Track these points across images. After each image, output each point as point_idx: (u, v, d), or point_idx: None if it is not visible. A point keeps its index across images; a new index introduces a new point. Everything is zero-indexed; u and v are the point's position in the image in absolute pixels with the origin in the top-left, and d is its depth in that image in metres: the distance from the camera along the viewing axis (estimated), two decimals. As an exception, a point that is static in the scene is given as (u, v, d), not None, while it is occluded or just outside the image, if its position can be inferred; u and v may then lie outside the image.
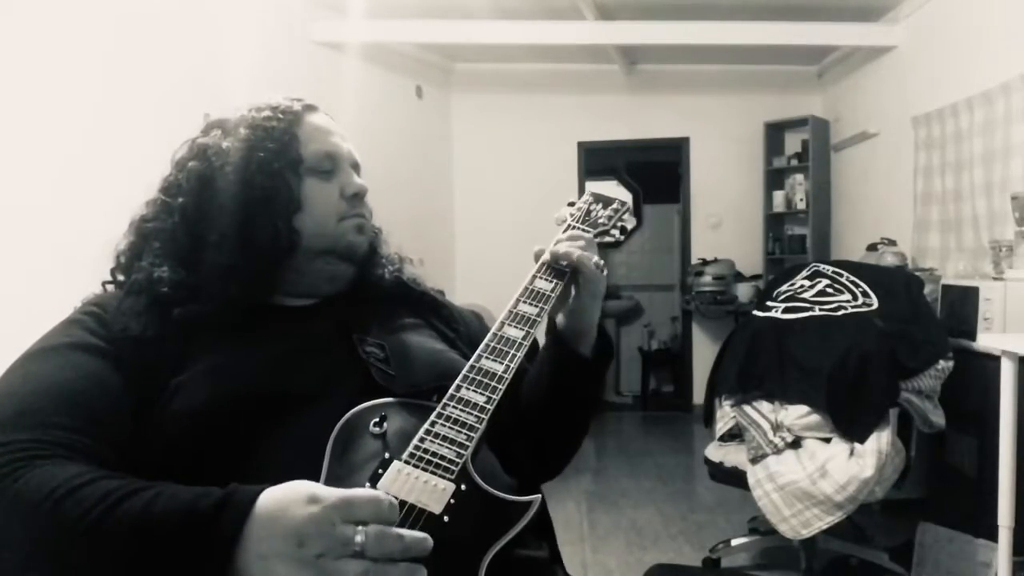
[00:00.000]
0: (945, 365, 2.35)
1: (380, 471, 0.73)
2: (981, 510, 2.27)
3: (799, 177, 5.09)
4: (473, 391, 0.81)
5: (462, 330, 1.07)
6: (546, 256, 0.95)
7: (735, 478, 2.54)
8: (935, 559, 2.45)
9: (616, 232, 1.03)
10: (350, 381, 0.85)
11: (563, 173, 5.47)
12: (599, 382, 0.99)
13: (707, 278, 5.13)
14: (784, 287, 2.77)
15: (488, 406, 0.80)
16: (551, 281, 0.93)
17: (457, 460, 0.75)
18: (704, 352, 5.37)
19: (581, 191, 5.62)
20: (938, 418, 2.37)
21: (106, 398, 0.77)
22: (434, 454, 0.75)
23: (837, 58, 4.93)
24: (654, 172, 6.50)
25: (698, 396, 5.13)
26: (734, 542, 2.77)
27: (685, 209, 5.60)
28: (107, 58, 2.83)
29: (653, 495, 3.65)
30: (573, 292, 0.94)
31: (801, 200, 5.05)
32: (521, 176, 5.41)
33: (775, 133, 5.26)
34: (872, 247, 3.81)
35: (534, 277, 0.93)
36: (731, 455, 2.60)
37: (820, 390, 2.33)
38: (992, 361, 2.21)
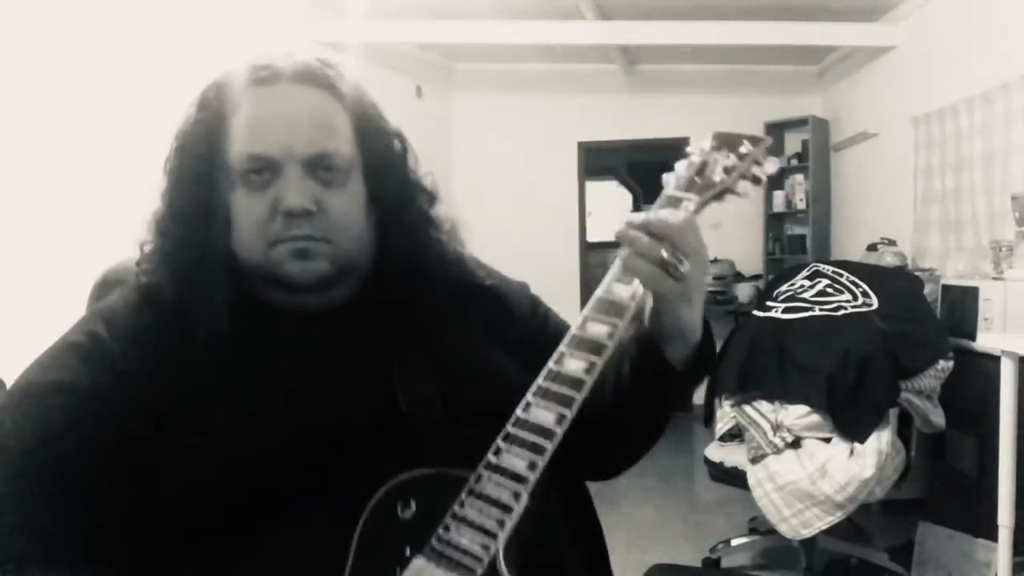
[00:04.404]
0: (945, 365, 2.35)
1: (398, 570, 0.63)
2: (981, 510, 2.27)
3: (799, 177, 5.09)
4: (515, 452, 0.64)
5: (516, 322, 0.88)
6: (621, 253, 0.70)
7: (735, 478, 2.54)
8: (935, 559, 2.45)
9: (746, 185, 0.76)
10: (379, 430, 0.72)
11: (563, 173, 5.46)
12: (684, 393, 0.79)
13: (707, 278, 5.12)
14: (784, 287, 2.77)
15: (529, 474, 0.63)
16: (631, 283, 0.69)
17: (482, 555, 0.61)
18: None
19: (581, 191, 5.62)
20: (938, 418, 2.37)
21: (90, 464, 0.67)
22: (457, 547, 0.62)
23: (837, 58, 4.93)
24: (654, 172, 6.47)
25: (698, 396, 5.11)
26: (734, 542, 2.77)
27: (685, 209, 5.59)
28: (104, 58, 2.83)
29: (653, 495, 3.65)
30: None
31: (801, 200, 5.05)
32: (521, 176, 5.41)
33: (775, 133, 5.24)
34: (872, 247, 3.81)
35: (609, 282, 0.70)
36: (731, 455, 2.60)
37: (820, 390, 2.33)
38: (992, 361, 2.21)
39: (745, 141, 0.77)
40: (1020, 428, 2.05)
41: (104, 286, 0.92)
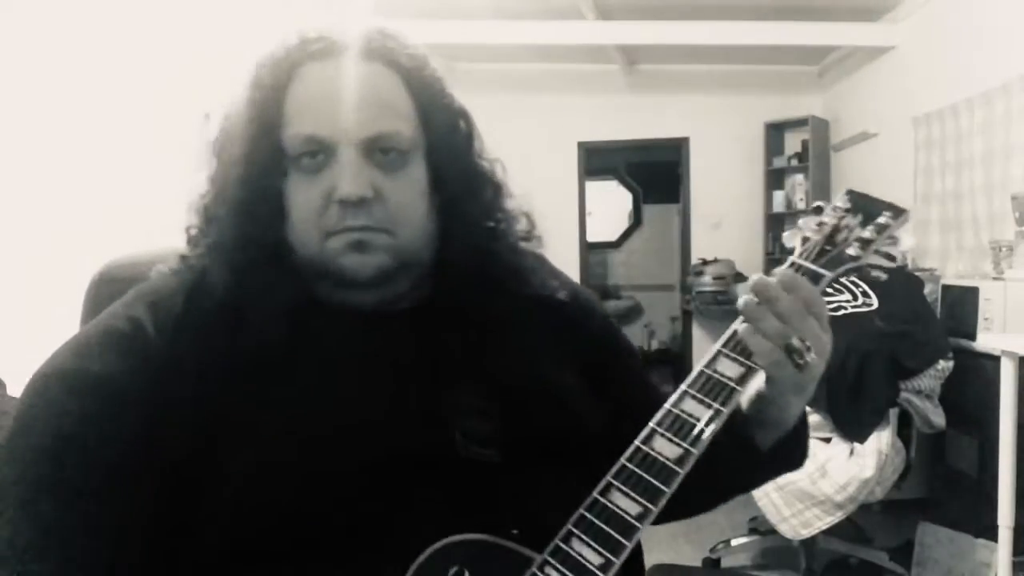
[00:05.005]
0: (945, 365, 2.35)
1: None
2: (981, 510, 2.27)
3: (799, 177, 5.10)
4: (589, 544, 0.55)
5: (589, 345, 0.79)
6: (738, 326, 0.63)
7: (735, 478, 2.54)
8: (935, 559, 2.44)
9: (880, 265, 0.65)
10: (431, 466, 0.64)
11: (563, 173, 5.47)
12: (766, 479, 0.74)
13: (707, 278, 5.13)
14: (784, 287, 2.76)
15: (603, 574, 0.54)
16: (739, 362, 0.61)
17: None
18: (704, 352, 5.32)
19: (581, 191, 5.63)
20: (938, 418, 2.37)
21: (118, 471, 0.60)
22: None
23: (837, 58, 4.93)
24: (654, 172, 6.50)
25: (698, 396, 5.12)
26: (734, 542, 2.77)
27: (685, 209, 5.59)
28: (100, 57, 2.82)
29: (653, 495, 3.65)
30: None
31: (801, 200, 5.05)
32: (521, 176, 5.38)
33: (775, 133, 5.26)
34: (872, 247, 3.81)
35: (717, 354, 0.63)
36: (731, 455, 2.60)
37: (820, 390, 2.33)
38: (992, 361, 2.21)
39: (885, 212, 0.67)
40: (1020, 428, 2.05)
41: (101, 284, 0.88)
